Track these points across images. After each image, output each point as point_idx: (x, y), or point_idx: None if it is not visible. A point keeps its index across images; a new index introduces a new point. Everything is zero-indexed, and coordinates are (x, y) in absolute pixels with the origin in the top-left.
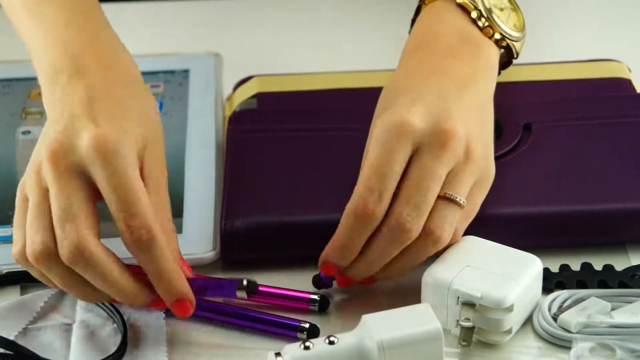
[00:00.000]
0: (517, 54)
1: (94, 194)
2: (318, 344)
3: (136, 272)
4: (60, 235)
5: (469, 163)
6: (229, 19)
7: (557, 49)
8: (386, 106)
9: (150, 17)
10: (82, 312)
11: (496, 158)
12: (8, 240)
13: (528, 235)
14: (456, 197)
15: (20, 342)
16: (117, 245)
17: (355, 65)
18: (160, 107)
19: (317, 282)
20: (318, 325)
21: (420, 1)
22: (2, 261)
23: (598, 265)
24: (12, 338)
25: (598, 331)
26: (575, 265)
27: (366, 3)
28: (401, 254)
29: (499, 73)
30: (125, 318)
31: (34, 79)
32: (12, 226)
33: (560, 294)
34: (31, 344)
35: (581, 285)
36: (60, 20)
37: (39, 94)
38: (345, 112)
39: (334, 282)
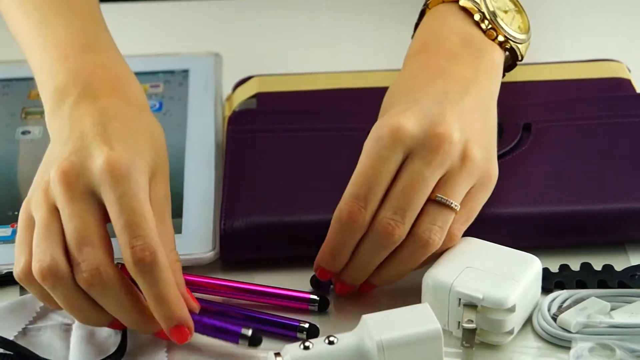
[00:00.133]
0: (522, 57)
1: (106, 217)
2: (318, 344)
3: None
4: (77, 258)
5: (465, 166)
6: (229, 19)
7: (556, 49)
8: (387, 109)
9: (150, 17)
10: None
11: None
12: (8, 240)
13: (527, 235)
14: (447, 200)
15: (20, 342)
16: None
17: (355, 65)
18: (160, 107)
19: (315, 283)
20: (317, 325)
21: (424, 5)
22: (2, 261)
23: (598, 265)
24: (11, 338)
25: (598, 331)
26: (574, 265)
27: (366, 3)
28: (392, 259)
29: (504, 75)
30: None
31: (34, 79)
32: (12, 225)
33: (560, 294)
34: (31, 344)
35: (581, 285)
36: (66, 41)
37: (39, 94)
38: (345, 112)
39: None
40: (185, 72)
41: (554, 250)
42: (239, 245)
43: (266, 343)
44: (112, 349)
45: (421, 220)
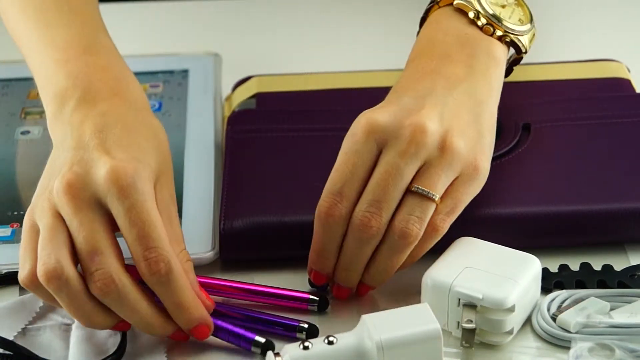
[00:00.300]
0: (526, 49)
1: (113, 225)
2: (317, 344)
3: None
4: (90, 267)
5: (444, 156)
6: (228, 19)
7: (555, 49)
8: None
9: (150, 17)
10: None
11: (495, 158)
12: (7, 240)
13: (527, 235)
14: (424, 191)
15: (20, 342)
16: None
17: (355, 65)
18: (159, 107)
19: (314, 284)
20: (317, 325)
21: (424, 12)
22: (1, 261)
23: (597, 265)
24: (11, 338)
25: (597, 331)
26: (574, 265)
27: (366, 3)
28: (377, 255)
29: (512, 70)
30: None
31: (33, 79)
32: (11, 225)
33: (560, 294)
34: (30, 344)
35: (580, 285)
36: (66, 44)
37: (38, 94)
38: (345, 112)
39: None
40: (184, 72)
41: (553, 250)
42: (238, 245)
43: None
44: (112, 349)
45: (399, 212)
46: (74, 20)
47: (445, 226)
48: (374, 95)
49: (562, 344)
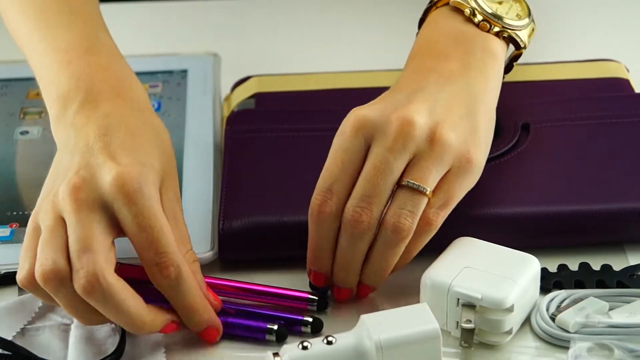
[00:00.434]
0: (525, 43)
1: (114, 229)
2: (316, 344)
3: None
4: (76, 265)
5: (434, 149)
6: (228, 19)
7: (555, 49)
8: None
9: (149, 17)
10: None
11: (494, 158)
12: (7, 240)
13: (526, 235)
14: (415, 184)
15: (19, 342)
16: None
17: (354, 65)
18: (159, 107)
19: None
20: (321, 319)
21: (423, 14)
22: (0, 261)
23: (596, 265)
24: (10, 338)
25: (596, 331)
26: (573, 265)
27: (366, 3)
28: (372, 252)
29: (512, 66)
30: None
31: (33, 79)
32: (11, 225)
33: (559, 294)
34: (29, 344)
35: (579, 285)
36: (68, 45)
37: (37, 94)
38: (345, 112)
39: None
40: (183, 72)
41: (552, 250)
42: (237, 245)
43: (265, 342)
44: (111, 349)
45: (390, 206)
46: (75, 20)
47: (438, 220)
48: (374, 95)
49: (561, 344)
